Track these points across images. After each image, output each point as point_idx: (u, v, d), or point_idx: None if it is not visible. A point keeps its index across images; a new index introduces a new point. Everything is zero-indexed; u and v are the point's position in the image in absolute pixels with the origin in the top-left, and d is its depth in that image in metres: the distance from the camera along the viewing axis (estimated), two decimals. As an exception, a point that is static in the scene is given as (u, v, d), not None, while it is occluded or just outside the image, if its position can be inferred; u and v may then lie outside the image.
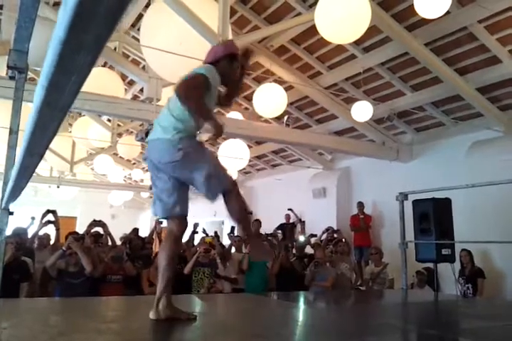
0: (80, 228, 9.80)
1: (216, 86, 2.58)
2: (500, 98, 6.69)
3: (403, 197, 4.90)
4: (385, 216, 8.45)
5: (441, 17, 4.76)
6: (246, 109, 9.12)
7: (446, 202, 5.26)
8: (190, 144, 2.46)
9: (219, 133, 2.36)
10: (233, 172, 10.22)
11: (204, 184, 2.44)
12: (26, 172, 1.64)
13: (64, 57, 0.63)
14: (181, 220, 2.54)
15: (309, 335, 2.48)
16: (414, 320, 3.34)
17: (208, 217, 12.00)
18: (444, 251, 5.05)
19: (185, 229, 2.60)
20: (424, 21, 5.58)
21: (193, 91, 2.37)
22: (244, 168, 10.48)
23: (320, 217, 9.17)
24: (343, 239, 7.43)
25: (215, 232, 7.48)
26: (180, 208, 2.50)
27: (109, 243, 6.07)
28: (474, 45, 5.95)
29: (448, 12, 4.84)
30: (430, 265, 5.58)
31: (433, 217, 5.04)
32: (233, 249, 6.93)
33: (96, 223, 5.99)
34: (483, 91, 6.57)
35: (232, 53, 2.64)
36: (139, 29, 6.46)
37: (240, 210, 2.55)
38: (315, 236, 7.95)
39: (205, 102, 2.45)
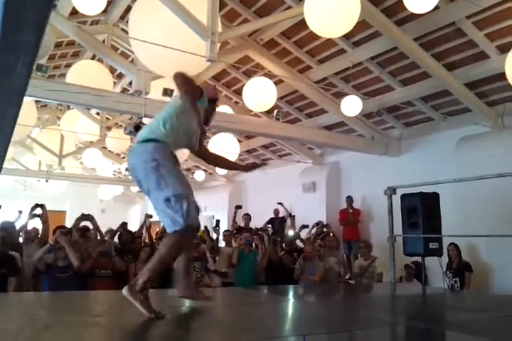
0: (69, 222, 9.74)
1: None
2: (488, 93, 6.73)
3: (391, 191, 4.92)
4: (373, 210, 8.49)
5: (430, 12, 4.77)
6: (236, 103, 9.10)
7: (434, 197, 5.29)
8: (164, 154, 2.41)
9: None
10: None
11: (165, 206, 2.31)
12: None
13: (6, 36, 0.62)
14: None
15: (298, 328, 2.49)
16: (402, 313, 3.37)
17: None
18: (432, 245, 5.09)
19: None
20: (413, 16, 5.58)
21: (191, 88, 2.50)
22: (234, 163, 10.45)
23: (309, 211, 9.20)
24: (331, 233, 7.45)
25: (205, 227, 7.45)
26: None
27: (98, 237, 6.03)
28: (462, 41, 5.96)
29: (437, 7, 4.84)
30: (418, 259, 5.62)
31: (421, 211, 5.07)
32: (223, 243, 6.94)
33: (84, 217, 5.93)
34: (471, 86, 6.60)
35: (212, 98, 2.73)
36: (127, 21, 6.39)
37: (161, 260, 2.37)
38: (306, 227, 7.95)
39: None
